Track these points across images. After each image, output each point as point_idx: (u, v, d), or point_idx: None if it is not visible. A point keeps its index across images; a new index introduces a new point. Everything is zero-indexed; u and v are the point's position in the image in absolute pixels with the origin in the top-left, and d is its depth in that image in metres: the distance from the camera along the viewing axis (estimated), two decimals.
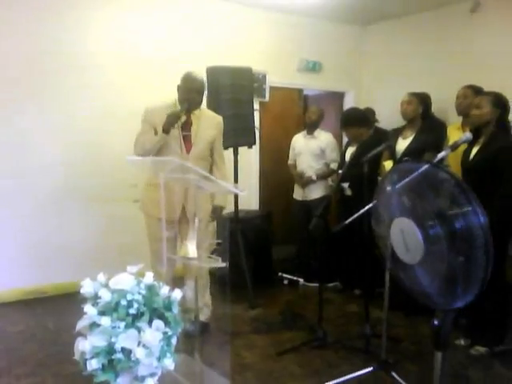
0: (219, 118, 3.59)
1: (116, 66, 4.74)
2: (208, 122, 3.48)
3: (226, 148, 4.25)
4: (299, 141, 5.17)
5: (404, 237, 2.43)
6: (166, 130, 3.24)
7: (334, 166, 4.98)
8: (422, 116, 4.20)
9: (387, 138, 4.24)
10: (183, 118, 3.36)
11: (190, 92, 3.34)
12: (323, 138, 5.01)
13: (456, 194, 2.14)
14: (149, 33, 4.91)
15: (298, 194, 5.16)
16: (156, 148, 3.30)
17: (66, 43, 4.50)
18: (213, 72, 4.15)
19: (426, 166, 2.32)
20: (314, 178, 4.95)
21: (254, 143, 4.54)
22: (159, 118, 3.27)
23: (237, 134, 4.25)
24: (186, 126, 3.40)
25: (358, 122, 4.56)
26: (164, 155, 3.32)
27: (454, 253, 2.17)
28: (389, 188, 2.58)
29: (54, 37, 4.44)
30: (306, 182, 5.00)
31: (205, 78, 3.52)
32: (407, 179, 2.42)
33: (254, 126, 4.48)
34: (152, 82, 4.74)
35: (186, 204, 3.35)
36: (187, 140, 3.38)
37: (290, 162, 5.27)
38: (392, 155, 4.20)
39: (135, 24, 4.84)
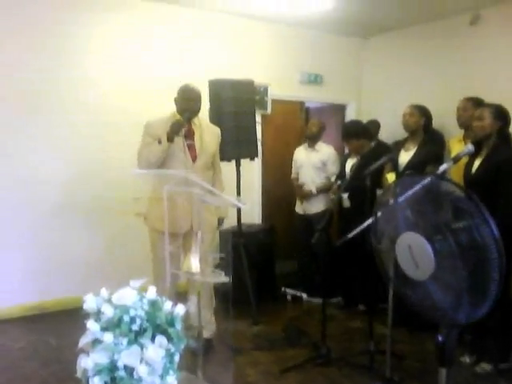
0: (218, 129, 3.68)
1: (118, 80, 4.76)
2: (209, 132, 3.57)
3: (228, 160, 4.26)
4: (301, 154, 5.16)
5: (412, 252, 2.35)
6: (171, 139, 3.28)
7: (334, 178, 4.97)
8: (424, 128, 4.20)
9: (389, 151, 4.24)
10: (185, 127, 3.41)
11: (188, 102, 3.41)
12: (324, 151, 5.01)
13: (465, 206, 2.11)
14: (150, 46, 4.94)
15: (299, 207, 5.14)
16: (161, 158, 3.33)
17: (68, 57, 4.53)
18: (215, 85, 4.17)
19: (430, 179, 2.30)
20: (314, 191, 4.93)
21: (257, 156, 4.54)
22: (161, 129, 3.31)
23: (239, 147, 4.26)
24: (189, 135, 3.45)
25: (358, 134, 4.62)
26: (170, 165, 3.36)
27: (466, 265, 2.13)
28: (391, 202, 2.55)
29: (55, 52, 4.47)
30: (305, 195, 4.98)
31: (200, 89, 3.55)
32: (411, 192, 2.40)
33: (256, 139, 4.49)
34: (154, 95, 4.75)
35: (193, 218, 3.35)
36: (192, 149, 3.44)
37: (292, 175, 5.26)
38: (394, 168, 4.18)
39: (136, 37, 4.87)
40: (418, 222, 2.36)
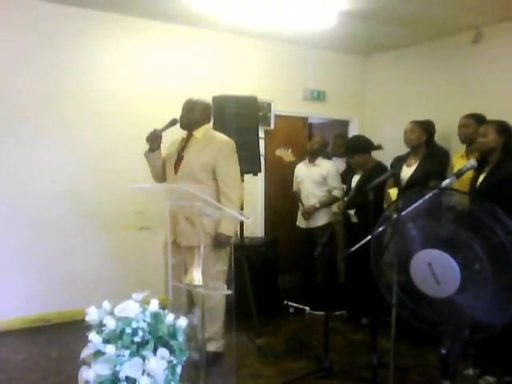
0: (223, 141, 3.51)
1: (126, 95, 4.83)
2: (206, 143, 3.46)
3: None
4: (301, 169, 5.20)
5: (433, 269, 2.28)
6: (151, 149, 3.38)
7: (335, 193, 4.99)
8: (426, 144, 4.22)
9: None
10: (182, 143, 3.48)
11: (181, 111, 3.47)
12: (324, 166, 5.05)
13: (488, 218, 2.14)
14: (158, 64, 5.03)
15: (301, 221, 5.16)
16: (155, 170, 3.49)
17: (77, 71, 4.63)
18: (218, 101, 4.21)
19: (432, 193, 2.31)
20: (317, 205, 4.95)
21: (260, 171, 4.57)
22: (169, 147, 3.47)
23: (242, 162, 4.28)
24: (183, 149, 3.47)
25: (360, 148, 4.65)
26: (166, 177, 3.50)
27: (492, 272, 2.13)
28: (395, 216, 2.54)
29: (64, 66, 4.57)
30: (309, 212, 4.99)
31: (205, 101, 3.58)
32: (420, 207, 2.40)
33: (259, 154, 4.51)
34: (160, 111, 4.77)
35: (178, 228, 3.33)
36: (179, 161, 3.44)
37: (294, 189, 5.29)
38: (397, 183, 4.20)
39: (145, 56, 4.98)
40: (435, 238, 2.32)
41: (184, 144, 3.49)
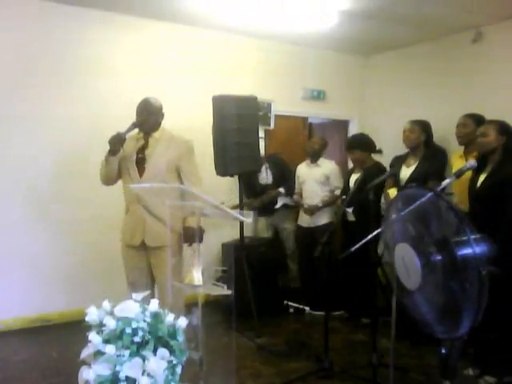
0: (187, 142, 3.53)
1: (125, 94, 4.78)
2: (168, 144, 3.45)
3: (231, 175, 4.28)
4: (303, 169, 5.21)
5: (405, 262, 2.41)
6: (111, 152, 3.32)
7: (338, 192, 5.00)
8: (425, 144, 4.22)
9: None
10: (141, 142, 3.44)
11: (140, 114, 3.43)
12: (326, 166, 5.06)
13: (454, 224, 2.15)
14: (157, 63, 5.02)
15: (303, 220, 5.16)
16: (109, 173, 3.43)
17: (77, 71, 4.62)
18: (218, 101, 4.22)
19: (429, 195, 2.32)
20: (320, 204, 4.96)
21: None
22: (125, 146, 3.39)
23: (242, 162, 4.29)
24: (143, 150, 3.44)
25: (362, 145, 4.70)
26: (123, 180, 3.46)
27: (449, 282, 2.17)
28: (394, 215, 2.57)
29: (64, 65, 4.56)
30: (313, 211, 5.00)
31: (158, 100, 3.54)
32: (411, 207, 2.42)
33: (258, 154, 4.52)
34: None
35: (144, 229, 3.36)
36: (141, 163, 3.41)
37: (296, 190, 5.28)
38: (396, 183, 4.21)
39: (145, 56, 4.97)
40: (413, 234, 2.40)
41: (143, 145, 3.45)
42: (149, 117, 3.42)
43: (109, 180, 3.52)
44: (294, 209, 5.37)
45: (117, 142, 3.30)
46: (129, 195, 3.41)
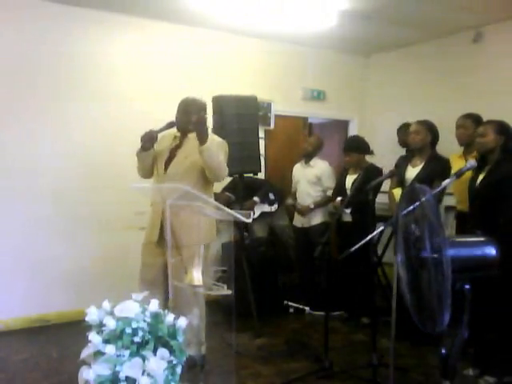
0: (218, 141, 3.47)
1: (125, 94, 4.82)
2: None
3: (231, 175, 4.27)
4: (298, 170, 5.22)
5: None
6: (144, 148, 3.35)
7: (330, 193, 5.00)
8: (431, 144, 4.18)
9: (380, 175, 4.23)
10: (176, 141, 3.46)
11: (178, 112, 3.44)
12: (319, 167, 5.04)
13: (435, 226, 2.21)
14: (157, 63, 5.02)
15: (297, 220, 5.17)
16: (144, 167, 3.46)
17: (76, 71, 4.63)
18: (218, 101, 4.22)
19: (424, 199, 2.33)
20: (312, 206, 4.96)
21: (260, 171, 4.57)
22: (159, 143, 3.42)
23: (242, 162, 4.29)
24: (176, 149, 3.45)
25: (359, 148, 4.71)
26: (154, 175, 3.50)
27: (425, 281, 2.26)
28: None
29: (63, 65, 4.56)
30: (303, 211, 5.00)
31: (201, 101, 3.52)
32: (410, 208, 2.45)
33: (258, 154, 4.52)
34: (160, 110, 4.78)
35: (164, 226, 3.25)
36: (169, 162, 3.42)
37: (292, 189, 5.30)
38: (401, 183, 4.18)
39: (145, 55, 4.97)
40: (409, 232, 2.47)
41: (178, 144, 3.46)
42: (185, 116, 3.39)
43: (145, 173, 3.53)
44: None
45: (148, 139, 3.32)
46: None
